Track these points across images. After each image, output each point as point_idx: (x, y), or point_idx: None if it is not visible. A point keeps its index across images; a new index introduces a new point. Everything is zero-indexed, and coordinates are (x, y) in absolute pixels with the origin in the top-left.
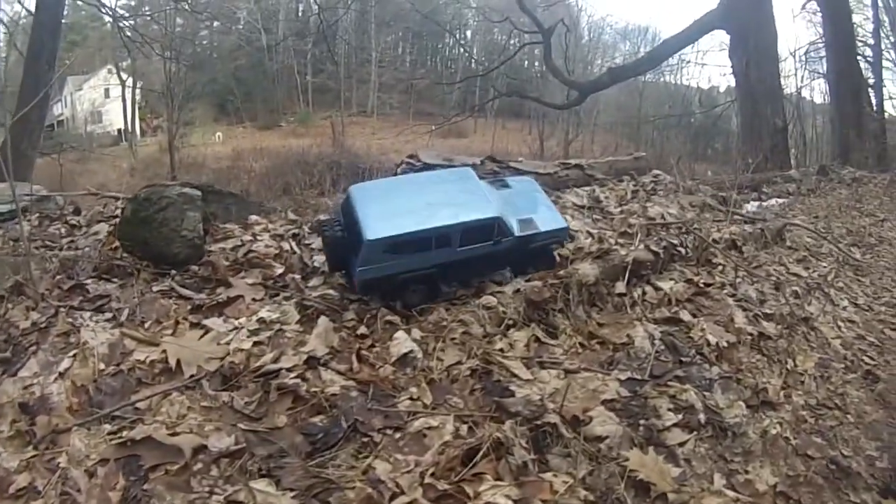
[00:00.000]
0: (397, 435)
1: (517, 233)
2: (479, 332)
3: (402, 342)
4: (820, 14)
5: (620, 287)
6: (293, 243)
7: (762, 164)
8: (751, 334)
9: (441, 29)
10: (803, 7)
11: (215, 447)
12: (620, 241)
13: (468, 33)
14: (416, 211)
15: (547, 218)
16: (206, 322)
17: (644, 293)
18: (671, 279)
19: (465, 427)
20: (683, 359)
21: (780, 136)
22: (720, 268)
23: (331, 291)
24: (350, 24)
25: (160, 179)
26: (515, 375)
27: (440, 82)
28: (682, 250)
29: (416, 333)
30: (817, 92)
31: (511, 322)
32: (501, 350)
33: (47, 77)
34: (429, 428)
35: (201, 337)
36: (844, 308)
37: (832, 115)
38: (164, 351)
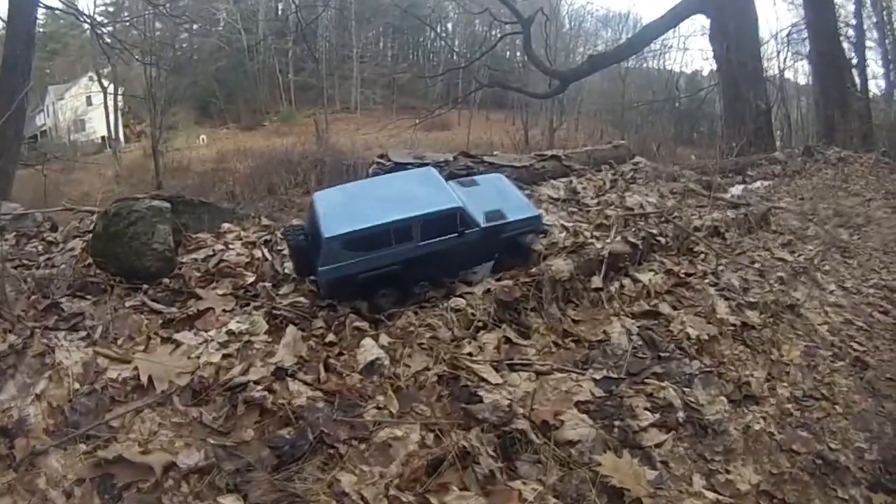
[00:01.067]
0: (363, 446)
1: (483, 224)
2: (447, 336)
3: (369, 349)
4: None
5: (597, 282)
6: (265, 250)
7: (746, 148)
8: (733, 325)
9: (421, 23)
10: None
11: (185, 463)
12: (597, 233)
13: (449, 26)
14: (375, 208)
15: (516, 208)
16: (176, 336)
17: (622, 287)
18: (651, 270)
19: (431, 436)
20: (662, 354)
21: (764, 119)
22: (702, 256)
23: (301, 299)
24: (330, 20)
25: (145, 185)
26: (484, 380)
27: (421, 76)
28: (662, 240)
29: (384, 339)
30: (801, 74)
31: (481, 324)
32: (470, 354)
33: (23, 89)
34: (394, 438)
35: (172, 352)
36: (832, 292)
37: (816, 96)
38: (136, 368)
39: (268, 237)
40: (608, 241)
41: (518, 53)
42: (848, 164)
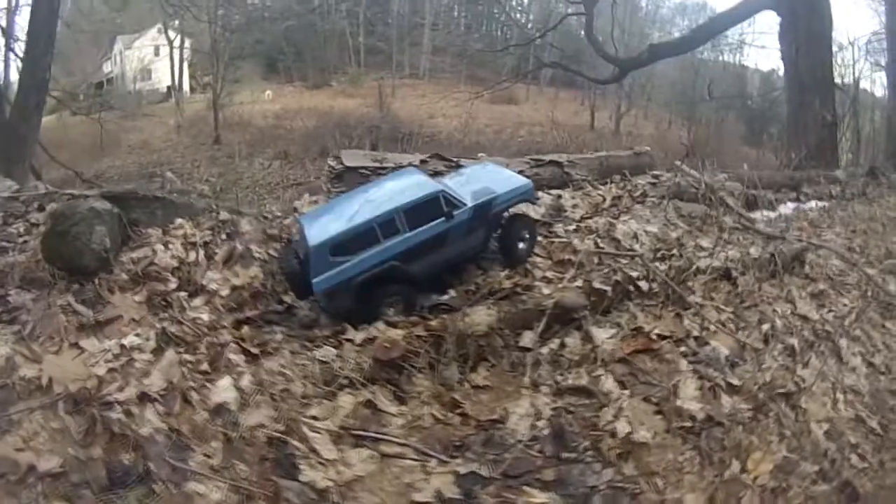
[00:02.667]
0: (174, 491)
1: (470, 203)
2: (299, 392)
3: (222, 390)
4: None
5: (528, 339)
6: (201, 253)
7: (806, 161)
8: (693, 420)
9: None
10: None
11: (42, 467)
12: (553, 272)
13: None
14: (357, 212)
15: (504, 182)
16: (83, 342)
17: (562, 347)
18: (614, 326)
19: (235, 499)
20: (567, 454)
21: (828, 132)
22: (694, 310)
23: (203, 316)
24: None
25: (204, 137)
26: (315, 452)
27: (485, 49)
28: (645, 285)
29: (246, 380)
30: (879, 85)
31: (346, 381)
32: (315, 417)
33: (44, 62)
34: (197, 493)
35: (76, 357)
36: (853, 369)
37: (889, 111)
38: (41, 369)
39: (209, 238)
40: (561, 284)
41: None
42: None
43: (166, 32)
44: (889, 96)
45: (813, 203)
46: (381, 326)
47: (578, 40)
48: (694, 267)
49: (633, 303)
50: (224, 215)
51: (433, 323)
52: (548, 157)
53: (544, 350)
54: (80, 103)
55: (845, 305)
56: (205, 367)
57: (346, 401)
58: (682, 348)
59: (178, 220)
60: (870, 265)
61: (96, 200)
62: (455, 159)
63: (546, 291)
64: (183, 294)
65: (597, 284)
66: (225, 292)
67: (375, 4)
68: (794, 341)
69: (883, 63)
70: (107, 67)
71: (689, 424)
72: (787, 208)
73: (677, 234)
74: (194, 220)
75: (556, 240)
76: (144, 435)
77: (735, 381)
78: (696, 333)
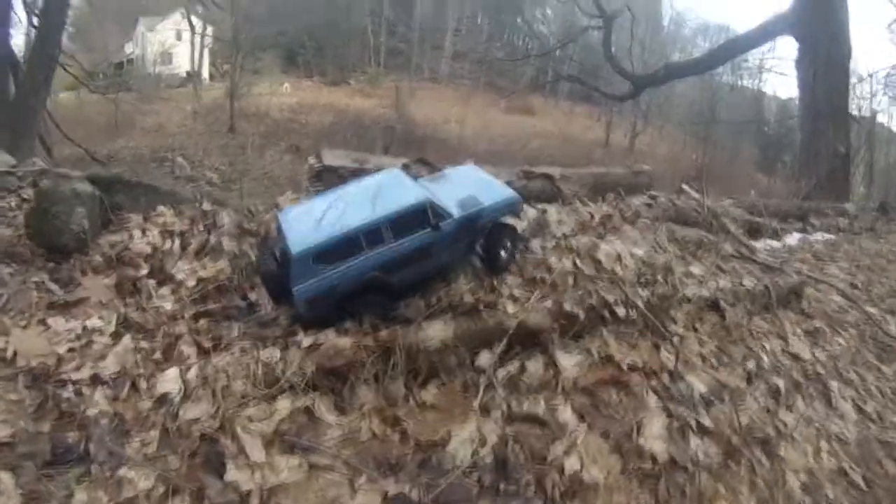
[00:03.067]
0: (108, 474)
1: (457, 214)
2: (239, 390)
3: (168, 381)
4: None
5: (484, 360)
6: (177, 242)
7: (816, 191)
8: (653, 460)
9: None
10: (889, 26)
11: None
12: (521, 291)
13: (549, 10)
14: (341, 217)
15: (491, 193)
16: (50, 320)
17: (522, 371)
18: (582, 353)
19: (162, 489)
20: (508, 486)
21: (841, 163)
22: (675, 340)
23: (167, 305)
24: None
25: (220, 125)
26: (244, 453)
27: (504, 59)
28: (622, 311)
29: (193, 373)
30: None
31: (288, 385)
32: (250, 418)
33: (55, 38)
34: (128, 480)
35: (41, 333)
36: (842, 415)
37: None
38: (7, 342)
39: (186, 228)
40: (528, 304)
41: (613, 48)
42: None
43: (189, 18)
44: None
45: (819, 235)
46: (331, 333)
47: (598, 55)
48: (679, 295)
49: (607, 329)
50: (207, 206)
51: (383, 334)
52: (539, 170)
53: (501, 372)
54: (98, 82)
55: (841, 345)
56: (158, 356)
57: (283, 405)
58: (654, 382)
59: (160, 208)
60: (871, 303)
61: (79, 182)
62: (440, 165)
63: (511, 310)
64: (152, 282)
65: (568, 307)
66: (191, 283)
67: (399, 6)
68: (780, 381)
69: None
70: (128, 48)
71: (648, 466)
72: (793, 239)
73: (666, 259)
74: (176, 208)
75: (532, 256)
76: (90, 416)
77: (707, 422)
78: (672, 367)
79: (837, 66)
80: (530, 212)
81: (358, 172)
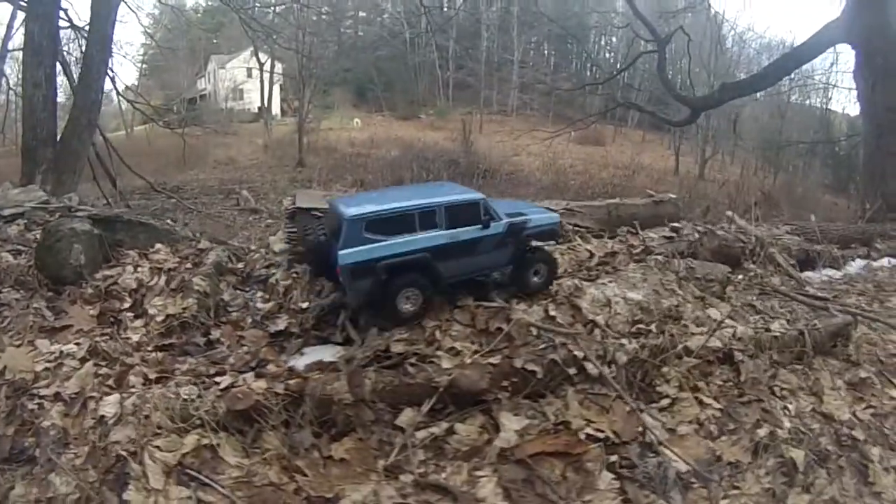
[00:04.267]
0: (42, 476)
1: (506, 219)
2: (156, 421)
3: (109, 405)
4: None
5: (406, 418)
6: (162, 279)
7: (882, 212)
8: None
9: (567, 34)
10: None
11: None
12: (466, 343)
13: (613, 39)
14: (398, 197)
15: (535, 213)
16: (38, 342)
17: (449, 433)
18: (538, 415)
19: (76, 495)
20: None
21: None
22: (665, 403)
23: (134, 337)
24: (493, 22)
25: (289, 158)
26: (146, 477)
27: (564, 89)
28: (593, 367)
29: (131, 401)
30: None
31: (200, 422)
32: (158, 447)
33: (97, 84)
34: (54, 483)
35: (28, 353)
36: (878, 494)
37: None
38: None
39: (175, 265)
40: (469, 360)
41: (677, 74)
42: None
43: (257, 55)
44: None
45: (886, 260)
46: (250, 377)
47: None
48: (679, 347)
49: (574, 388)
50: (204, 244)
51: (292, 382)
52: (545, 204)
53: (422, 433)
54: (167, 117)
55: (892, 399)
56: (111, 382)
57: (191, 440)
58: (617, 456)
59: (158, 245)
60: None
61: (79, 222)
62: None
63: (446, 365)
64: (130, 314)
65: (519, 363)
66: (160, 318)
67: (465, 39)
68: (799, 453)
69: None
70: (200, 84)
71: None
72: (855, 266)
73: (672, 303)
74: (174, 246)
75: (492, 304)
76: (44, 427)
77: None
78: (653, 436)
79: None
80: None
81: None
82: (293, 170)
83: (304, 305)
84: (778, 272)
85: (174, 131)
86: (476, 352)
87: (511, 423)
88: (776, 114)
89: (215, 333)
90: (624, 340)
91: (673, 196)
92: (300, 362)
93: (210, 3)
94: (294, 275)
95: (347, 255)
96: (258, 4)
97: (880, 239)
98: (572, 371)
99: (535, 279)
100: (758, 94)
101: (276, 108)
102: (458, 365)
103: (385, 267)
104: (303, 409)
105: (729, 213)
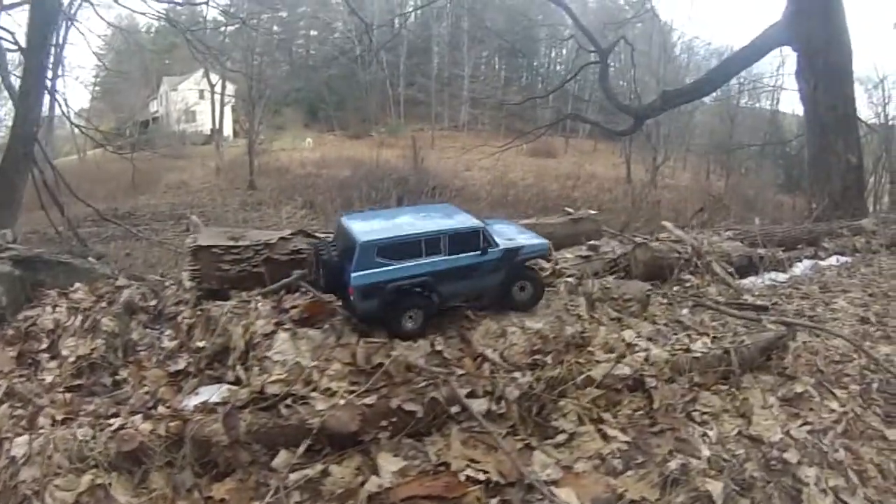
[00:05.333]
0: None
1: (502, 245)
2: (57, 461)
3: (19, 446)
4: None
5: (281, 460)
6: (79, 318)
7: (830, 211)
8: None
9: (514, 49)
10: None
11: None
12: (343, 383)
13: (564, 51)
14: (405, 224)
15: (527, 238)
16: None
17: (324, 475)
18: (419, 455)
19: None
20: None
21: (854, 176)
22: (560, 438)
23: (48, 378)
24: (443, 38)
25: (240, 181)
26: None
27: (512, 102)
28: (483, 405)
29: (39, 441)
30: None
31: (94, 462)
32: (57, 486)
33: (32, 116)
34: None
35: None
36: None
37: None
38: None
39: (92, 304)
40: (343, 400)
41: (622, 83)
42: None
43: (208, 77)
44: None
45: (834, 259)
46: (139, 419)
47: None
48: (580, 377)
49: (459, 427)
50: (122, 281)
51: (172, 424)
52: None
53: (296, 475)
54: (118, 141)
55: (833, 412)
56: (24, 423)
57: (86, 480)
58: (500, 498)
59: (77, 284)
60: (888, 340)
61: (1, 263)
62: (321, 236)
63: (320, 407)
64: (46, 355)
65: (397, 403)
66: (72, 359)
67: (416, 55)
68: (717, 485)
69: None
70: (153, 107)
71: None
72: (802, 267)
73: (577, 329)
74: (92, 285)
75: (371, 340)
76: None
77: None
78: (545, 475)
79: (840, 72)
80: None
81: (231, 250)
82: (244, 192)
83: (201, 344)
84: (715, 281)
85: (124, 156)
86: (351, 392)
87: (389, 465)
88: (726, 118)
89: (123, 374)
90: (517, 374)
91: (592, 212)
92: (192, 402)
93: (162, 24)
94: (199, 312)
95: (360, 277)
96: (209, 26)
97: (828, 238)
98: (454, 409)
99: (522, 295)
100: (706, 99)
101: (228, 130)
102: (332, 406)
103: (393, 289)
104: (183, 451)
105: (665, 222)
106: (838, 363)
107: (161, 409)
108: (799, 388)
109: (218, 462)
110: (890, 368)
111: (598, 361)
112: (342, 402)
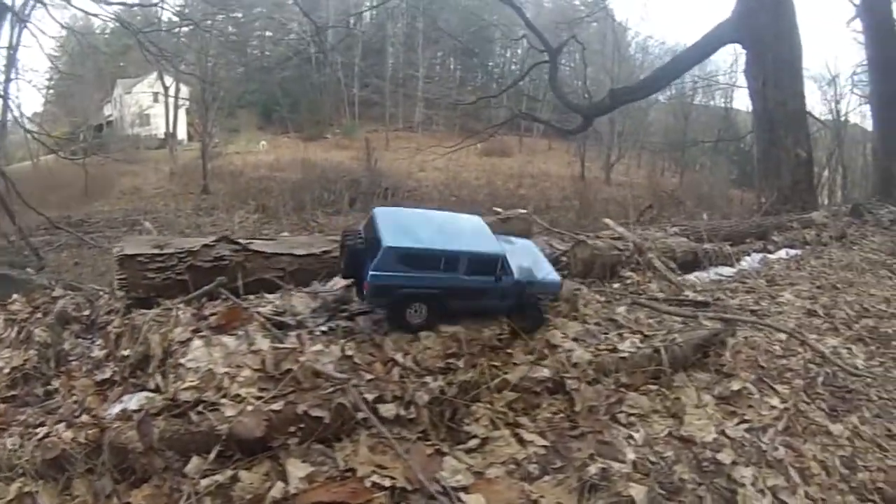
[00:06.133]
0: None
1: (517, 276)
2: None
3: None
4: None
5: (193, 466)
6: (14, 330)
7: (780, 204)
8: None
9: (467, 49)
10: (848, 24)
11: None
12: (253, 389)
13: (519, 51)
14: (431, 235)
15: (542, 272)
16: None
17: (234, 481)
18: (328, 461)
19: None
20: None
21: (804, 171)
22: (473, 444)
23: None
24: (398, 38)
25: (195, 186)
26: None
27: (463, 102)
28: (392, 410)
29: None
30: (869, 119)
31: (23, 472)
32: None
33: None
34: None
35: None
36: None
37: (874, 144)
38: None
39: (26, 316)
40: (251, 406)
41: (578, 82)
42: None
43: (162, 79)
44: (874, 128)
45: (783, 252)
46: (62, 426)
47: (572, 90)
48: (496, 380)
49: (368, 433)
50: (58, 292)
51: (90, 432)
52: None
53: (207, 481)
54: (71, 146)
55: (773, 409)
56: None
57: (15, 488)
58: None
59: (15, 296)
60: (835, 332)
61: None
62: (243, 242)
63: (229, 413)
64: None
65: (303, 408)
66: (7, 371)
67: (371, 56)
68: (640, 489)
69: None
70: (107, 110)
71: None
72: (751, 261)
73: (495, 332)
74: (29, 296)
75: (280, 346)
76: None
77: None
78: (454, 481)
79: (789, 68)
80: (340, 283)
81: (156, 258)
82: (198, 197)
83: (126, 353)
84: (656, 278)
85: (76, 162)
86: (259, 398)
87: (297, 471)
88: (680, 115)
89: (55, 384)
90: (428, 378)
91: (523, 211)
92: (115, 410)
93: (116, 25)
94: (126, 321)
95: (376, 276)
96: (164, 27)
97: (777, 231)
98: (361, 415)
99: (522, 321)
100: (661, 97)
101: (182, 133)
102: (240, 412)
103: (404, 293)
104: (102, 458)
105: (607, 220)
106: (781, 358)
107: (84, 417)
108: (736, 386)
109: (135, 468)
110: (837, 361)
111: (515, 364)
112: (249, 408)
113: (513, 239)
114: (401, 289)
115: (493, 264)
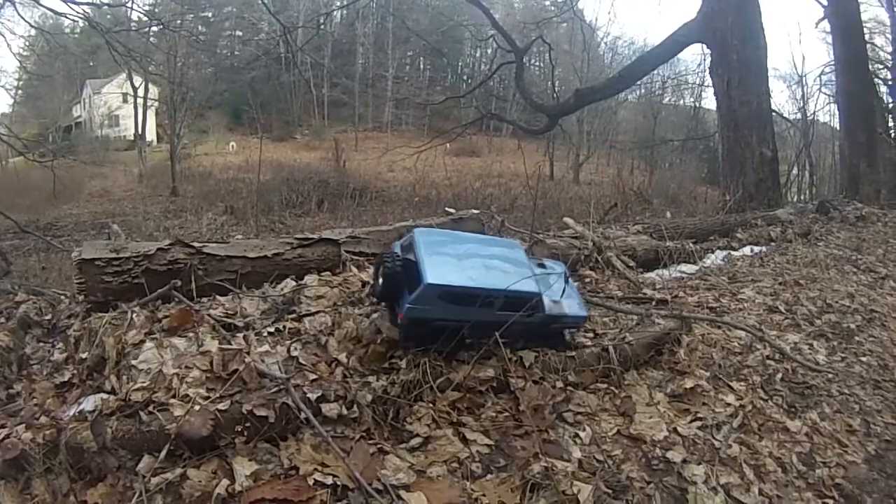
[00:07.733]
0: None
1: (547, 311)
2: None
3: None
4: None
5: (144, 465)
6: None
7: (745, 202)
8: None
9: (436, 49)
10: (817, 24)
11: None
12: (200, 390)
13: (489, 51)
14: (473, 268)
15: (572, 304)
16: None
17: (183, 479)
18: (273, 460)
19: None
20: None
21: (769, 169)
22: (417, 442)
23: None
24: (368, 39)
25: (163, 187)
26: None
27: (431, 102)
28: (335, 409)
29: None
30: (837, 118)
31: None
32: None
33: None
34: None
35: None
36: None
37: (841, 142)
38: None
39: None
40: (198, 406)
41: (548, 82)
42: (869, 224)
43: (131, 80)
44: (841, 127)
45: (748, 249)
46: (20, 427)
47: (539, 91)
48: (438, 380)
49: (311, 432)
50: (21, 296)
51: (47, 433)
52: (316, 236)
53: (157, 479)
54: (36, 148)
55: (729, 406)
56: None
57: None
58: (344, 502)
59: None
60: (796, 328)
61: None
62: (197, 245)
63: (177, 413)
64: None
65: (248, 408)
66: None
67: (340, 56)
68: (585, 487)
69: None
70: (76, 111)
71: None
72: (715, 258)
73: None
74: None
75: (228, 347)
76: None
77: None
78: (395, 479)
79: (754, 67)
80: (289, 285)
81: (113, 262)
82: (167, 199)
83: (84, 356)
84: (615, 276)
85: (44, 165)
86: (206, 398)
87: (243, 469)
88: (649, 114)
89: (17, 387)
90: (371, 378)
91: (475, 211)
92: (72, 411)
93: (86, 25)
94: (85, 325)
95: (413, 310)
96: (133, 27)
97: (741, 228)
98: (304, 415)
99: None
100: (630, 97)
101: (151, 135)
102: (188, 412)
103: (435, 327)
104: (59, 458)
105: (566, 218)
106: (738, 355)
107: (43, 418)
108: (690, 383)
109: (91, 468)
110: (797, 357)
111: (459, 362)
112: (197, 408)
113: (547, 262)
114: (434, 321)
115: (526, 302)
